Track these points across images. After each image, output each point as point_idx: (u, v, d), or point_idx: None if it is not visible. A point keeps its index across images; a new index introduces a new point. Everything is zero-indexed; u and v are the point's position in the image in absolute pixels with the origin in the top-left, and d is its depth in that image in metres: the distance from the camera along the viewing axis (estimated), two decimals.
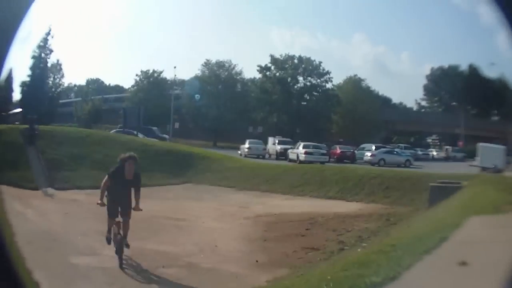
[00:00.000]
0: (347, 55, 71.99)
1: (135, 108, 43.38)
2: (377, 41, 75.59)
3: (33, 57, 45.48)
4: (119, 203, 9.67)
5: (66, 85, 54.09)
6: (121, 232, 9.65)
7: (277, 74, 57.30)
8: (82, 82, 67.97)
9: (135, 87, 58.00)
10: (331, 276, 6.38)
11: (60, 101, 50.91)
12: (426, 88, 63.23)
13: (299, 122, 54.57)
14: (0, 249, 3.27)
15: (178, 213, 15.95)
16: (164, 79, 58.56)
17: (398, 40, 72.12)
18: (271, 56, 57.68)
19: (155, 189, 19.09)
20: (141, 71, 58.15)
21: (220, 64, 58.24)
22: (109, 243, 9.86)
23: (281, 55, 57.85)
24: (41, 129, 24.69)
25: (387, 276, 5.67)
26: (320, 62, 56.63)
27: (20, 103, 42.77)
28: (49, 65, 47.66)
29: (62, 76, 49.30)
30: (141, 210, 9.68)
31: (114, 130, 36.41)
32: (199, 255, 10.80)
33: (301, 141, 37.72)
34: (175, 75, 61.08)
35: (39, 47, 45.90)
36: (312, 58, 57.27)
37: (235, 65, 58.42)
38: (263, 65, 57.36)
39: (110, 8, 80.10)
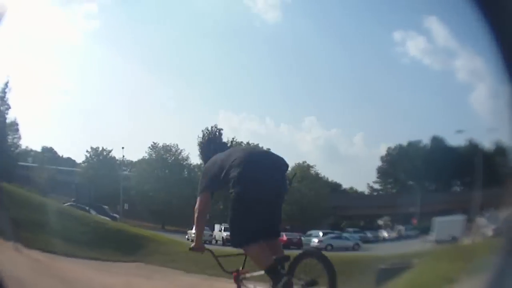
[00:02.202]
0: (297, 140, 71.49)
1: (87, 185, 44.37)
2: (329, 124, 76.88)
3: None
4: None
5: (23, 147, 53.86)
6: None
7: None
8: (37, 147, 66.99)
9: (86, 164, 58.58)
10: None
11: (19, 163, 49.93)
12: (380, 171, 61.45)
13: None
14: None
15: None
16: (113, 158, 59.33)
17: (352, 121, 70.20)
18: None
19: (108, 264, 20.38)
20: (91, 148, 58.77)
21: (167, 148, 59.54)
22: None
23: (227, 141, 57.29)
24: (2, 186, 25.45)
25: None
26: (268, 149, 57.86)
27: None
28: (7, 121, 46.98)
29: (20, 137, 48.96)
30: None
31: (68, 204, 37.27)
32: None
33: None
34: (123, 156, 62.00)
35: None
36: (260, 144, 57.93)
37: (181, 150, 59.64)
38: None
39: (62, 80, 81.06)
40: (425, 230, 37.35)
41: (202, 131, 49.09)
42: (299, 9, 73.82)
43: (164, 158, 58.74)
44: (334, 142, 73.98)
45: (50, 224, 23.37)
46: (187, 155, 59.84)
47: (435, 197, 48.95)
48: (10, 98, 44.96)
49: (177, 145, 59.49)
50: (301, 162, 58.60)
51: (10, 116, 46.68)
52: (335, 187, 63.21)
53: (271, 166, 6.31)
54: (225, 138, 57.98)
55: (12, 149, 48.27)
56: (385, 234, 49.39)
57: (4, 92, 44.81)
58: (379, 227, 52.84)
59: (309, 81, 68.80)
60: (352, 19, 70.16)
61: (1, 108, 45.37)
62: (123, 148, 59.31)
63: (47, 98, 71.31)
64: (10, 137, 47.60)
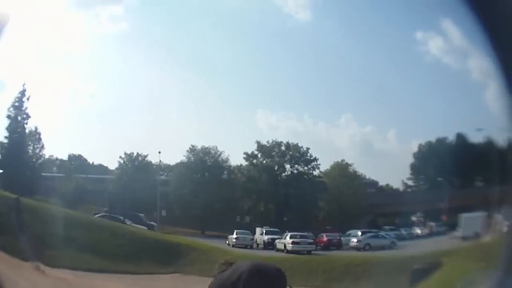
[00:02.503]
0: (334, 137, 70.83)
1: (121, 193, 42.92)
2: (364, 121, 73.34)
3: (8, 116, 42.95)
4: None
5: (47, 157, 51.01)
6: None
7: (264, 161, 56.93)
8: (63, 156, 65.61)
9: (119, 170, 56.33)
10: None
11: (42, 173, 47.62)
12: (412, 167, 63.15)
13: (286, 210, 54.14)
14: None
15: None
16: (149, 163, 57.48)
17: (385, 118, 70.96)
18: (258, 143, 57.21)
19: (144, 277, 18.87)
20: (125, 154, 56.59)
21: (205, 151, 57.52)
22: None
23: (267, 142, 57.55)
24: (24, 202, 24.31)
25: None
26: (308, 149, 56.51)
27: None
28: (26, 131, 44.86)
29: (42, 147, 46.71)
30: None
31: (100, 215, 35.73)
32: None
33: (288, 231, 37.63)
34: (160, 161, 59.93)
35: (15, 107, 43.38)
36: (299, 144, 57.35)
37: (221, 152, 57.72)
38: (249, 153, 56.93)
39: (87, 83, 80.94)
40: (453, 226, 39.40)
41: None
42: (328, 9, 73.49)
43: (204, 161, 56.63)
44: (369, 138, 74.16)
45: (79, 239, 21.84)
46: (227, 156, 58.11)
47: (461, 193, 50.70)
48: (29, 106, 43.71)
49: (216, 147, 57.55)
50: (339, 160, 58.53)
51: (30, 125, 44.74)
52: (372, 184, 63.84)
53: None
54: (264, 138, 59.42)
55: (33, 160, 46.22)
56: (418, 231, 51.04)
57: (21, 101, 43.74)
58: (413, 224, 54.69)
59: (342, 79, 69.18)
60: (377, 19, 68.30)
61: (19, 117, 43.82)
62: (159, 152, 58.14)
63: (72, 104, 69.88)
64: (31, 147, 45.79)
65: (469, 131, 53.13)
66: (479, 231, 28.68)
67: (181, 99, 73.40)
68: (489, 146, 45.81)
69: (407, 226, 52.81)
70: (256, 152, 57.32)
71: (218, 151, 57.75)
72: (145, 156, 57.19)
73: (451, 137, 56.57)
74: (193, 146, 57.47)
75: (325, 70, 69.59)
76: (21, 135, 43.84)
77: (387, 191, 65.85)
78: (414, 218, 56.66)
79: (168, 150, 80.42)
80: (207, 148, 57.69)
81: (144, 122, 71.37)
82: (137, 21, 73.38)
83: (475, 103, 58.66)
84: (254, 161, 57.40)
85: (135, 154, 56.98)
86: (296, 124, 77.45)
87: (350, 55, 69.43)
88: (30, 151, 45.89)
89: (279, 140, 57.98)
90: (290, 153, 57.18)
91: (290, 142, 57.78)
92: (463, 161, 50.78)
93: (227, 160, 58.40)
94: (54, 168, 58.77)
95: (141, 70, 71.42)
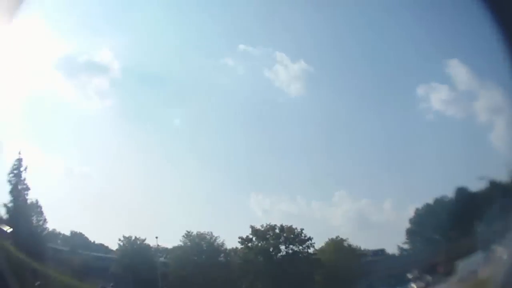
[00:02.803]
0: (328, 215, 69.34)
1: (124, 272, 44.02)
2: (359, 195, 73.16)
3: (9, 182, 43.70)
4: None
5: (50, 229, 51.40)
6: None
7: (259, 244, 58.32)
8: (65, 231, 65.62)
9: (120, 252, 57.89)
10: None
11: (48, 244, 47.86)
12: (408, 232, 62.80)
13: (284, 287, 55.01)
14: None
15: None
16: (148, 246, 58.94)
17: (380, 189, 68.01)
18: (252, 227, 58.69)
19: None
20: (124, 237, 58.23)
21: (201, 236, 59.57)
22: None
23: (262, 226, 59.03)
24: (37, 268, 24.45)
25: None
26: (302, 229, 58.12)
27: (8, 222, 40.15)
28: (28, 201, 45.42)
29: (45, 220, 47.28)
30: None
31: None
32: None
33: None
34: (158, 244, 60.78)
35: (14, 174, 44.25)
36: (293, 225, 58.50)
37: (216, 237, 59.63)
38: (244, 237, 58.20)
39: (82, 161, 79.14)
40: (450, 273, 40.45)
41: None
42: (320, 79, 71.16)
43: (200, 245, 58.85)
44: (364, 212, 72.13)
45: None
46: (223, 241, 60.02)
47: (459, 242, 49.22)
48: (28, 178, 44.40)
49: (211, 233, 59.78)
50: (334, 237, 59.55)
51: (31, 197, 45.49)
52: (367, 253, 63.39)
53: None
54: (258, 221, 60.94)
55: (38, 230, 46.52)
56: (413, 286, 51.42)
57: (19, 170, 44.53)
58: (409, 281, 54.16)
59: (336, 154, 68.71)
60: (374, 83, 67.08)
61: (19, 186, 44.57)
62: (156, 237, 58.89)
63: (68, 182, 67.12)
64: (34, 218, 46.14)
65: (471, 181, 52.11)
66: (475, 269, 30.03)
67: (174, 182, 71.57)
68: (492, 189, 47.21)
69: (403, 284, 53.08)
70: (250, 236, 58.70)
71: (213, 236, 59.78)
72: (143, 240, 58.55)
73: (450, 193, 55.74)
74: (188, 232, 59.44)
75: (318, 148, 68.69)
76: (22, 205, 44.20)
77: (382, 258, 64.71)
78: (409, 275, 56.04)
79: (165, 233, 78.71)
80: (202, 234, 59.66)
81: (139, 204, 69.72)
82: (123, 98, 72.81)
83: (476, 151, 56.51)
84: (249, 244, 58.64)
85: (133, 237, 58.44)
86: (290, 206, 74.33)
87: (342, 127, 68.68)
88: (34, 221, 46.22)
89: (273, 223, 59.17)
90: (284, 235, 58.70)
91: (284, 224, 58.99)
92: (463, 213, 49.91)
93: (222, 244, 60.11)
94: (59, 241, 59.30)
95: (133, 153, 69.44)
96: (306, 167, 68.61)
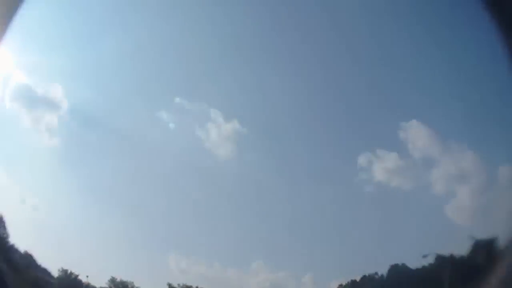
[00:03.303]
0: (243, 284, 64.71)
1: None
2: (276, 267, 68.48)
3: None
4: None
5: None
6: None
7: None
8: None
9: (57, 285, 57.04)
10: None
11: None
12: None
13: None
14: None
15: None
16: (80, 282, 58.69)
17: (301, 261, 62.44)
18: (169, 285, 59.87)
19: None
20: (61, 269, 56.86)
21: (124, 284, 61.78)
22: None
23: (178, 284, 60.03)
24: None
25: None
26: None
27: None
28: None
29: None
30: None
31: None
32: None
33: None
34: (89, 283, 60.52)
35: None
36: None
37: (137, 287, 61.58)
38: None
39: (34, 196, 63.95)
40: None
41: None
42: (253, 142, 65.47)
43: None
44: (281, 285, 65.00)
45: None
46: None
47: None
48: None
49: (133, 283, 61.65)
50: None
51: None
52: None
53: None
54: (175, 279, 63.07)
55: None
56: None
57: None
58: None
59: (260, 221, 64.72)
60: (311, 148, 62.02)
61: None
62: (87, 276, 58.81)
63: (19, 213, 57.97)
64: None
65: (412, 259, 49.29)
66: None
67: (101, 227, 64.63)
68: (438, 264, 44.33)
69: None
70: None
71: (134, 286, 61.54)
72: (77, 276, 59.21)
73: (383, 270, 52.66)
74: (113, 277, 61.72)
75: (241, 213, 66.39)
76: None
77: None
78: None
79: (98, 271, 67.09)
80: (125, 282, 61.74)
81: (76, 243, 62.57)
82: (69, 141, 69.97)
83: (425, 224, 51.45)
84: None
85: (69, 271, 58.78)
86: (206, 270, 68.95)
87: (267, 199, 64.14)
88: None
89: (189, 284, 60.05)
90: None
91: (200, 286, 59.27)
92: None
93: None
94: None
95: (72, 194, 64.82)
96: (226, 231, 65.01)
